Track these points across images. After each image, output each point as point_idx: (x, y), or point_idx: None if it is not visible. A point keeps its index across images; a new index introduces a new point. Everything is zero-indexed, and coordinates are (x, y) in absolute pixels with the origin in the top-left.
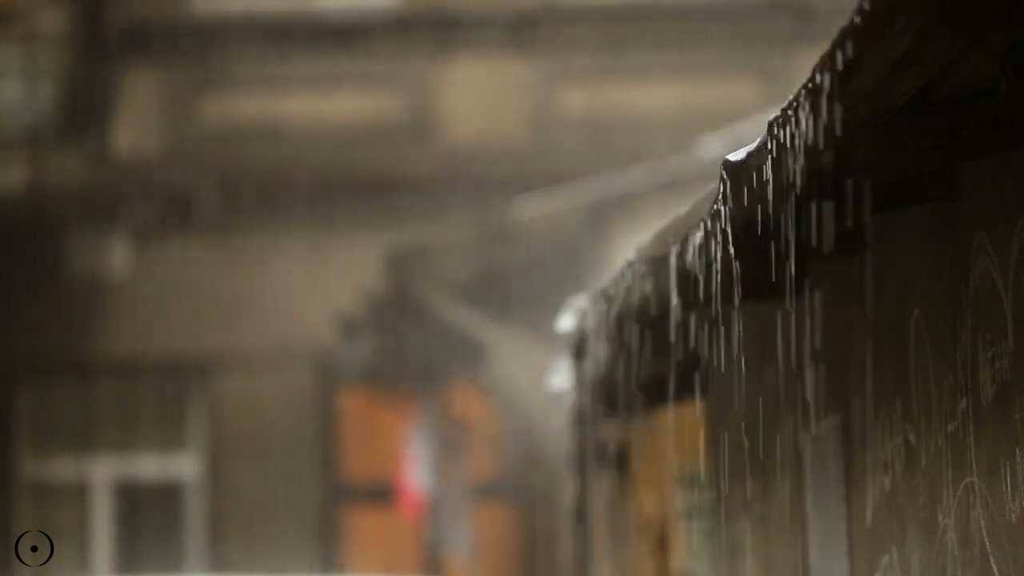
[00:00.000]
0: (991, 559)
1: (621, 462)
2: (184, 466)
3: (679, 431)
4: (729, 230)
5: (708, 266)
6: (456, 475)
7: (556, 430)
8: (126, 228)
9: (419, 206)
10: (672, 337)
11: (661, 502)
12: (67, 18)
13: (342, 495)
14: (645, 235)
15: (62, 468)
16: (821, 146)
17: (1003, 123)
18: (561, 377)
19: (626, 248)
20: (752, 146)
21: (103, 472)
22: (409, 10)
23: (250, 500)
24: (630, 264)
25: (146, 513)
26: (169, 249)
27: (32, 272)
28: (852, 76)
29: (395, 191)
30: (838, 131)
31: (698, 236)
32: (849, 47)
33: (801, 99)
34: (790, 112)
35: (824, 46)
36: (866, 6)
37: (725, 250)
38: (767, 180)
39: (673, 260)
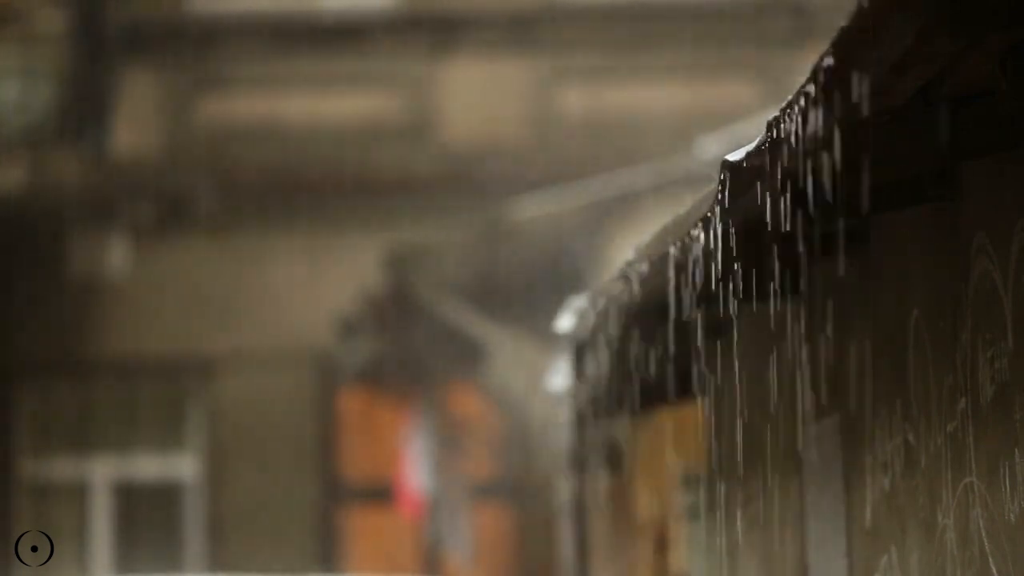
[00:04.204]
0: (990, 559)
1: (620, 462)
2: (184, 466)
3: (679, 431)
4: (728, 230)
5: (708, 266)
6: (456, 475)
7: (555, 430)
8: (125, 228)
9: (419, 206)
10: (671, 337)
11: (660, 502)
12: (67, 18)
13: (342, 495)
14: (645, 235)
15: (62, 468)
16: (820, 146)
17: (1003, 123)
18: (561, 377)
19: (626, 248)
20: (751, 146)
21: (103, 472)
22: (408, 10)
23: (250, 500)
24: (630, 264)
25: (146, 513)
26: (169, 249)
27: (32, 272)
28: (851, 76)
29: (395, 191)
30: (837, 131)
31: (698, 236)
32: (849, 47)
33: (800, 99)
34: (789, 112)
35: (824, 46)
36: (866, 6)
37: (724, 250)
38: (766, 180)
39: (673, 260)
